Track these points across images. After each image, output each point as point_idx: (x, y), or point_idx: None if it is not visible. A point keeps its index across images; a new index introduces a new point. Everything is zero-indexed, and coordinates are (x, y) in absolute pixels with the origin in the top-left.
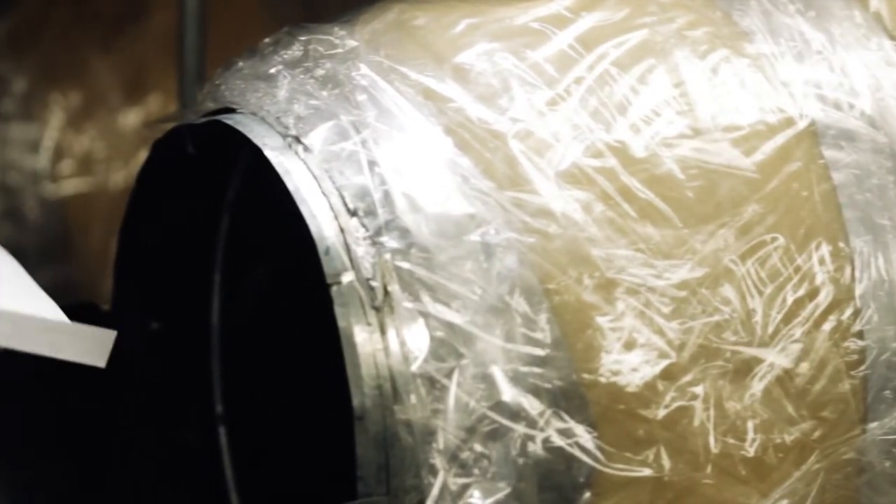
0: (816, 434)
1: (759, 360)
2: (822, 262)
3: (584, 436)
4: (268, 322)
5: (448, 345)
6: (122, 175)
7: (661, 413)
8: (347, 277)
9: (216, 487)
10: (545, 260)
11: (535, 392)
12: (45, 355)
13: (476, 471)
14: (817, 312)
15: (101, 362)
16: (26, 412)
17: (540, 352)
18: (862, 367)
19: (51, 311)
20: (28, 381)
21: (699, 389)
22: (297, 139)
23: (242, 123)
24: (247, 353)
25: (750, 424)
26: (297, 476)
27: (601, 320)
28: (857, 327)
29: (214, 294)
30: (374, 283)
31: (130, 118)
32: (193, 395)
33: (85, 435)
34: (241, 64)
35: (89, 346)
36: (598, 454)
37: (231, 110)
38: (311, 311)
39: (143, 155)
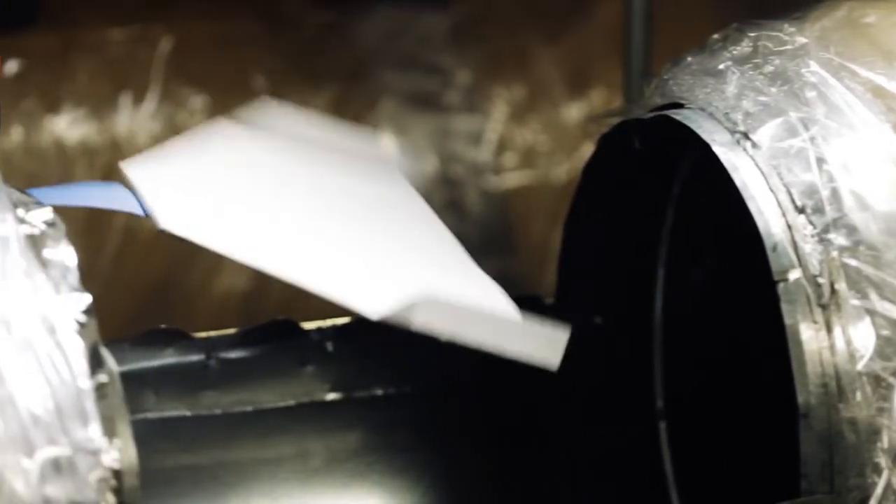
0: None
1: None
2: None
3: None
4: (708, 317)
5: (895, 343)
6: (565, 169)
7: None
8: (794, 274)
9: (656, 483)
10: None
11: None
12: (492, 351)
13: None
14: None
15: (552, 363)
16: (470, 407)
17: None
18: None
19: (502, 304)
20: (472, 377)
21: None
22: (746, 135)
23: (690, 119)
24: (687, 348)
25: None
26: (735, 472)
27: None
28: None
29: (658, 289)
30: (821, 281)
31: (573, 112)
32: (634, 390)
33: (527, 430)
34: (689, 59)
35: (541, 345)
36: None
37: (678, 105)
38: (753, 308)
39: (585, 149)
